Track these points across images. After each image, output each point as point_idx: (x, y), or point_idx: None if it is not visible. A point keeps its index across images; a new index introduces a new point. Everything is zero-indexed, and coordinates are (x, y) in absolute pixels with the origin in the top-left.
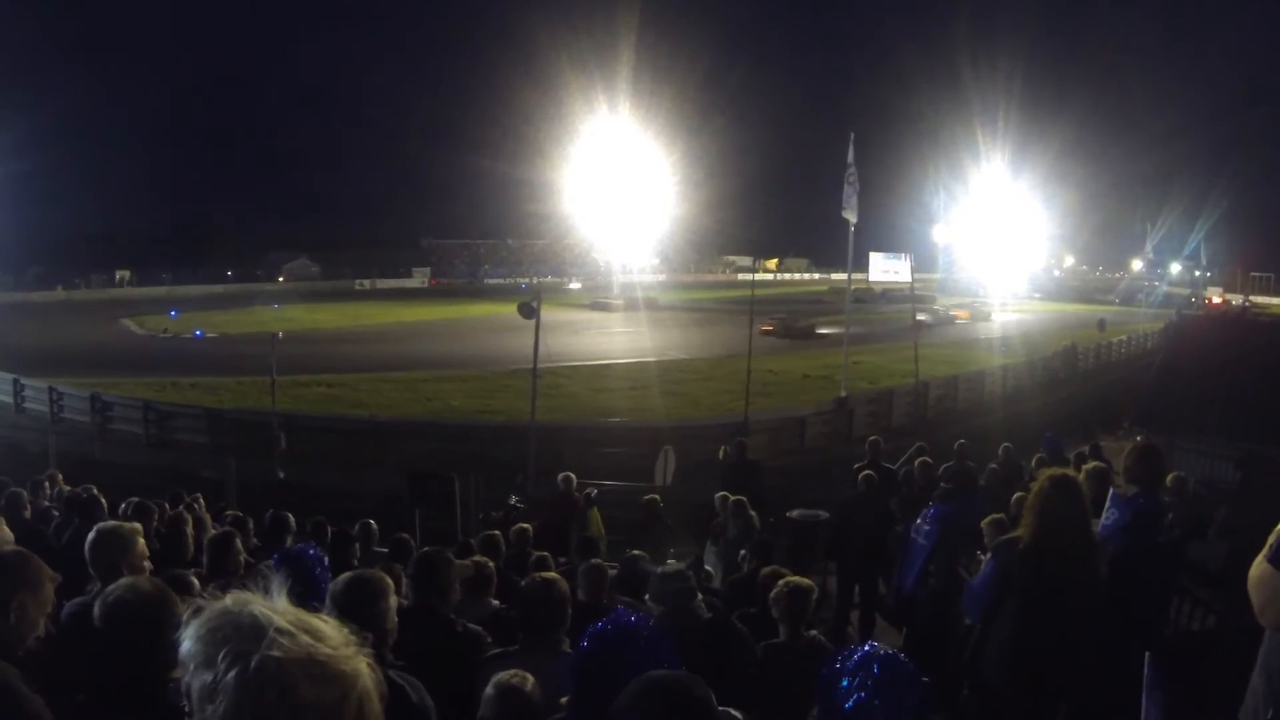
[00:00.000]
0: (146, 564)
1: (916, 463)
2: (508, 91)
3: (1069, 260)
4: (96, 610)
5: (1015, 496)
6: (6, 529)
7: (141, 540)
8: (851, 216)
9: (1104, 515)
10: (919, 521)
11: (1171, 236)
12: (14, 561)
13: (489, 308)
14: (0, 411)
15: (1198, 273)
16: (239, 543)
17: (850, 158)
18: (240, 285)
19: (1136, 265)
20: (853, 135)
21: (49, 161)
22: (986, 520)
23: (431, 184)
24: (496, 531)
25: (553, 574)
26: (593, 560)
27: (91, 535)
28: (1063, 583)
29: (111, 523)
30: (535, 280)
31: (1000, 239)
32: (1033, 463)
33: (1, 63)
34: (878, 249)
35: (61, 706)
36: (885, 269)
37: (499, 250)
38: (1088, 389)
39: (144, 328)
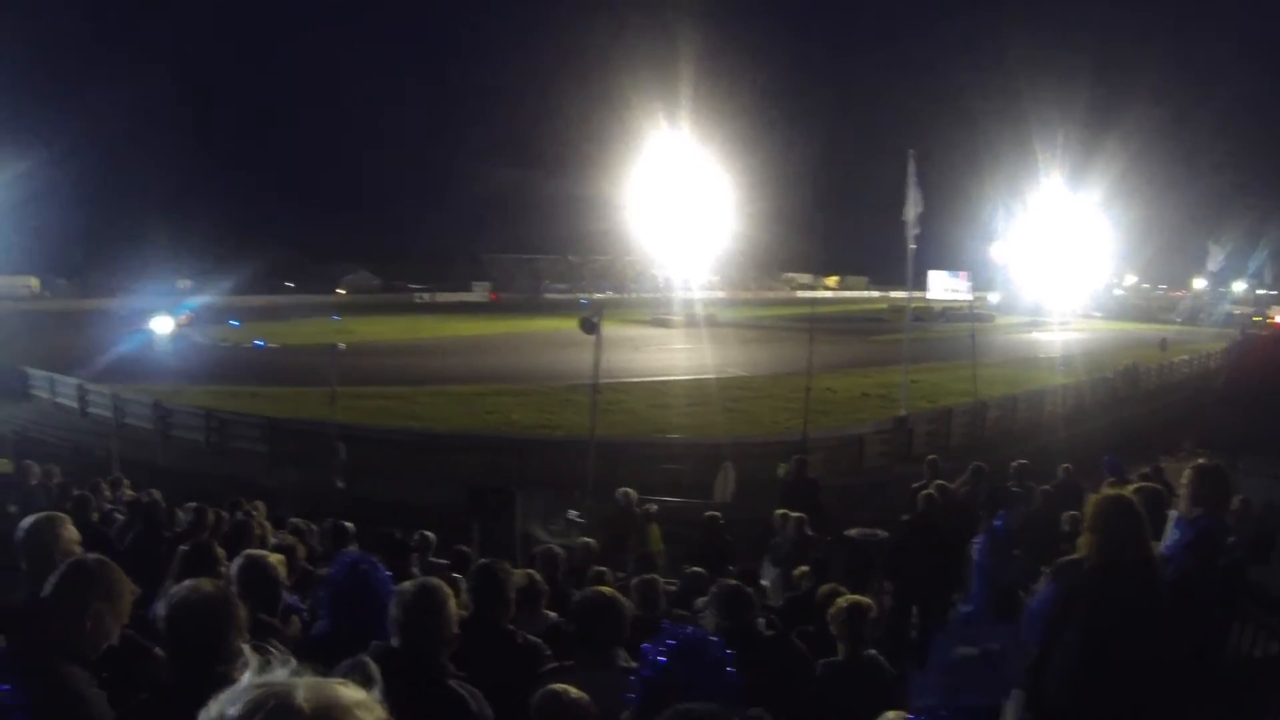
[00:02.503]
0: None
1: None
2: (570, 108)
3: (1131, 278)
4: (161, 610)
5: (1066, 515)
6: (74, 529)
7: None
8: (912, 240)
9: (1166, 536)
10: (976, 542)
11: (1235, 254)
12: (95, 568)
13: (549, 323)
14: (66, 416)
15: (1261, 291)
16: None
17: (910, 175)
18: (300, 297)
19: (1199, 283)
20: (912, 152)
21: (111, 170)
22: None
23: (493, 199)
24: (553, 546)
25: (609, 588)
26: (646, 575)
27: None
28: (1125, 604)
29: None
30: (596, 295)
31: (1061, 256)
32: (1104, 485)
33: (67, 70)
34: (937, 267)
35: (125, 703)
36: (945, 287)
37: (560, 265)
38: (1149, 409)
39: (205, 337)
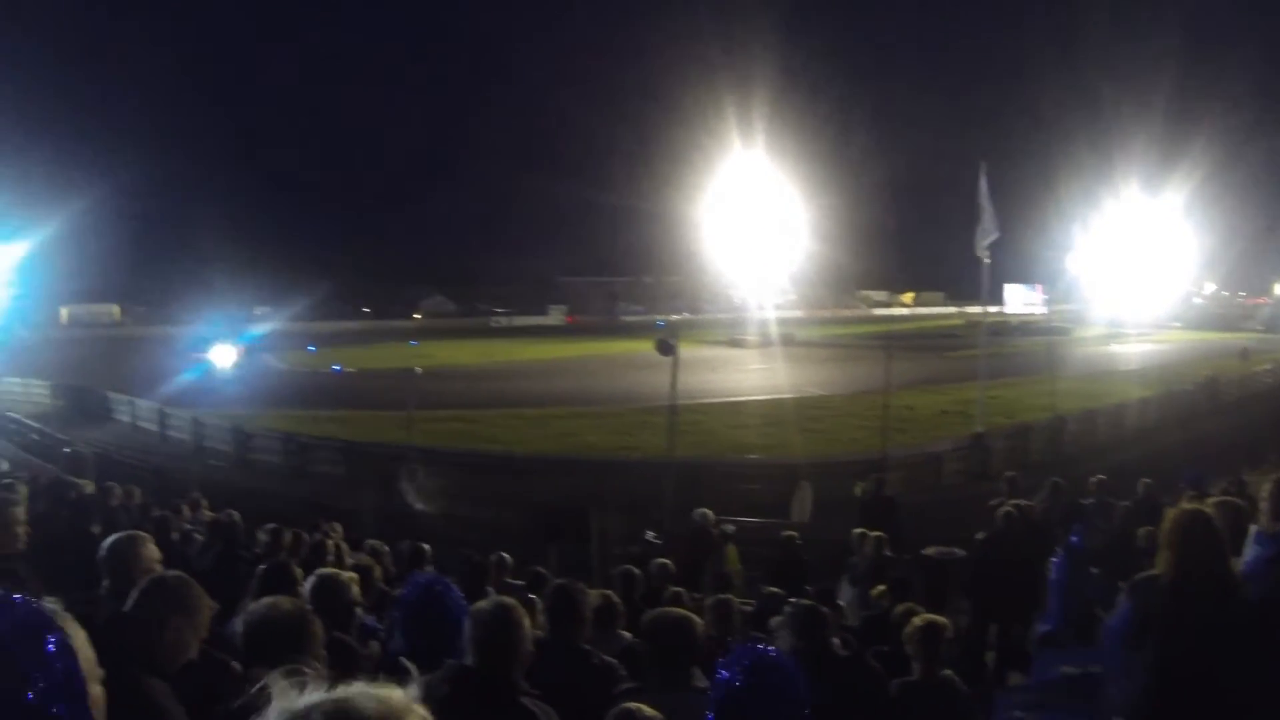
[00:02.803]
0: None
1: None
2: (643, 128)
3: (1210, 286)
4: (239, 626)
5: (1143, 531)
6: (154, 547)
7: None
8: (985, 255)
9: (1246, 552)
10: (1053, 560)
11: None
12: (174, 585)
13: (626, 345)
14: (146, 439)
15: None
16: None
17: (982, 188)
18: (377, 322)
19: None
20: (984, 165)
21: (188, 200)
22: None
23: (567, 222)
24: (632, 567)
25: (685, 609)
26: (721, 595)
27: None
28: (1204, 621)
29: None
30: (671, 317)
31: (1139, 266)
32: (1174, 498)
33: (157, 105)
34: (1013, 280)
35: (204, 717)
36: (1021, 300)
37: (635, 287)
38: (1231, 422)
39: (282, 362)
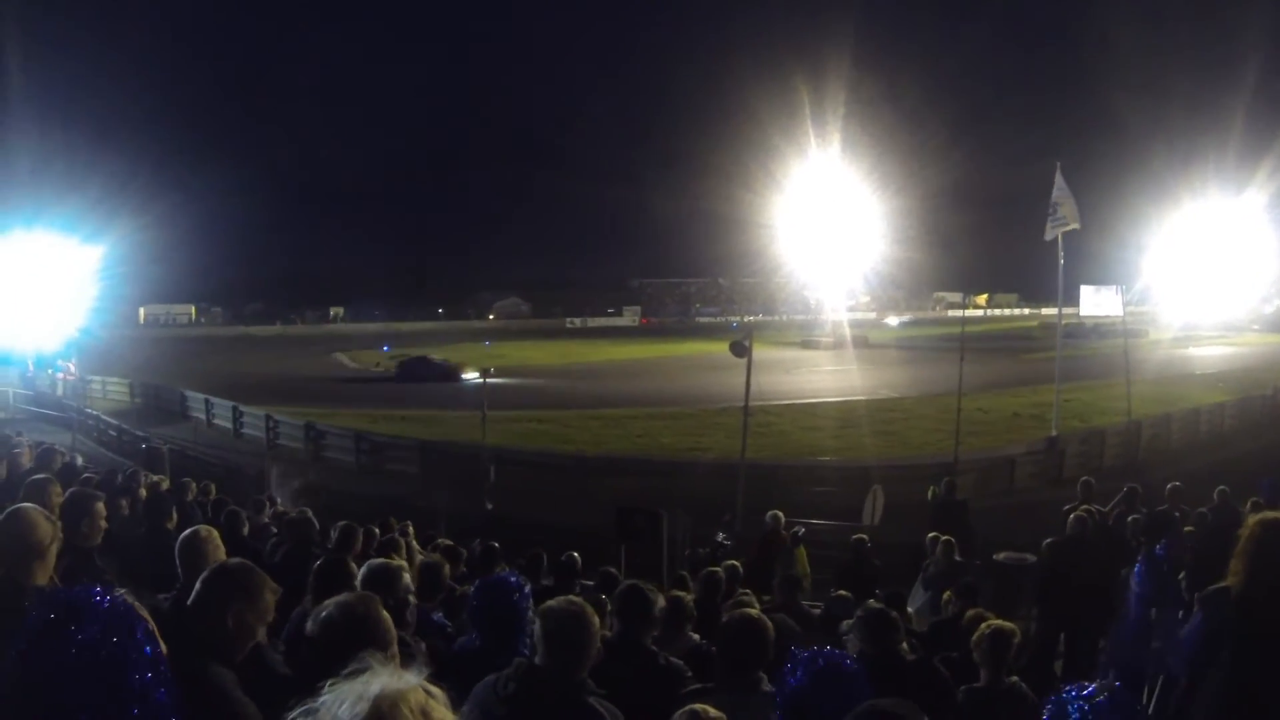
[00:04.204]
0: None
1: (1130, 519)
2: (717, 130)
3: None
4: (310, 625)
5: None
6: (220, 541)
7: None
8: (1059, 235)
9: None
10: (1135, 570)
11: None
12: (236, 570)
13: (700, 346)
14: (220, 436)
15: None
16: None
17: (1057, 188)
18: (451, 322)
19: None
20: (1059, 165)
21: (270, 204)
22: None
23: (642, 224)
24: (716, 568)
25: (755, 611)
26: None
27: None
28: (1276, 636)
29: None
30: (745, 318)
31: (1217, 268)
32: (1247, 507)
33: (227, 110)
34: (1088, 282)
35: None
36: (1096, 302)
37: (709, 289)
38: None
39: (357, 362)
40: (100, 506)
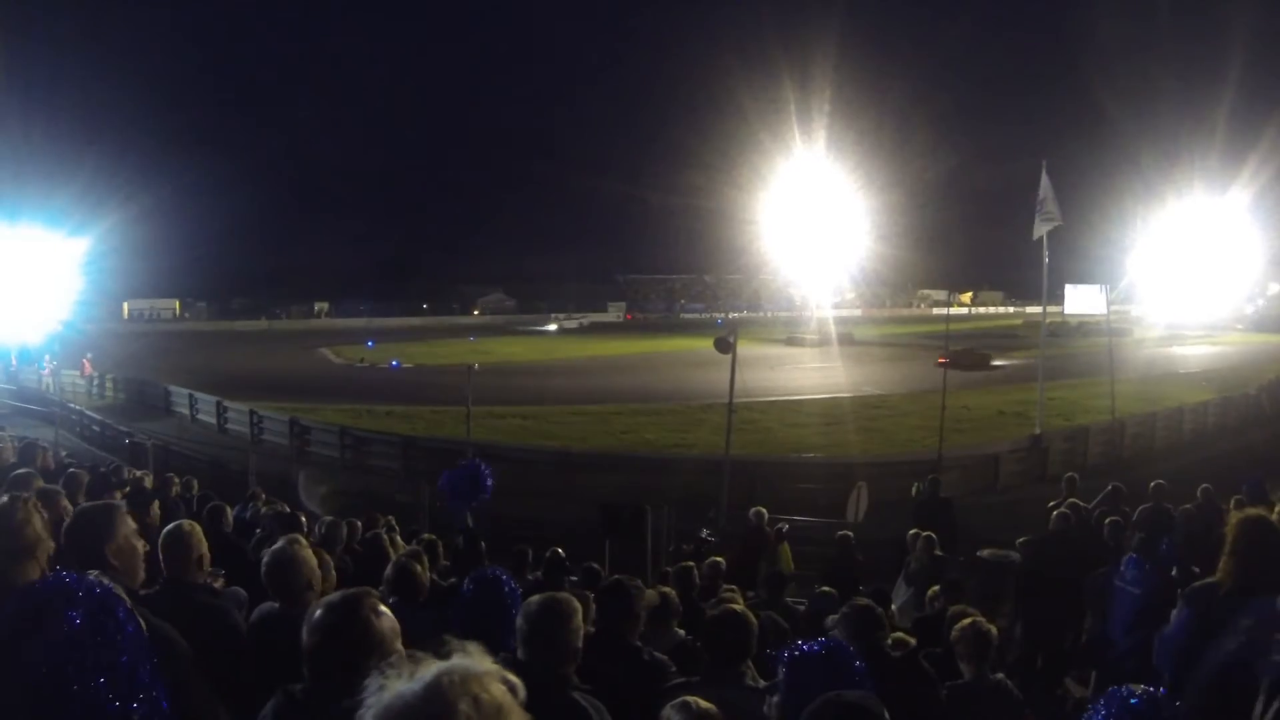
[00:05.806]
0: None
1: (1108, 520)
2: (703, 127)
3: (1274, 288)
4: (305, 628)
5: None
6: (201, 533)
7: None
8: (1044, 232)
9: None
10: (1121, 569)
11: None
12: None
13: (684, 342)
14: (205, 431)
15: None
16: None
17: (1044, 184)
18: (436, 318)
19: None
20: (1045, 164)
21: (254, 199)
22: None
23: (627, 220)
24: (691, 564)
25: (739, 605)
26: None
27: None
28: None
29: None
30: (731, 315)
31: (1202, 267)
32: (1230, 505)
33: (212, 104)
34: (1073, 280)
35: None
36: (1081, 301)
37: (694, 285)
38: None
39: (341, 357)
40: (65, 503)
